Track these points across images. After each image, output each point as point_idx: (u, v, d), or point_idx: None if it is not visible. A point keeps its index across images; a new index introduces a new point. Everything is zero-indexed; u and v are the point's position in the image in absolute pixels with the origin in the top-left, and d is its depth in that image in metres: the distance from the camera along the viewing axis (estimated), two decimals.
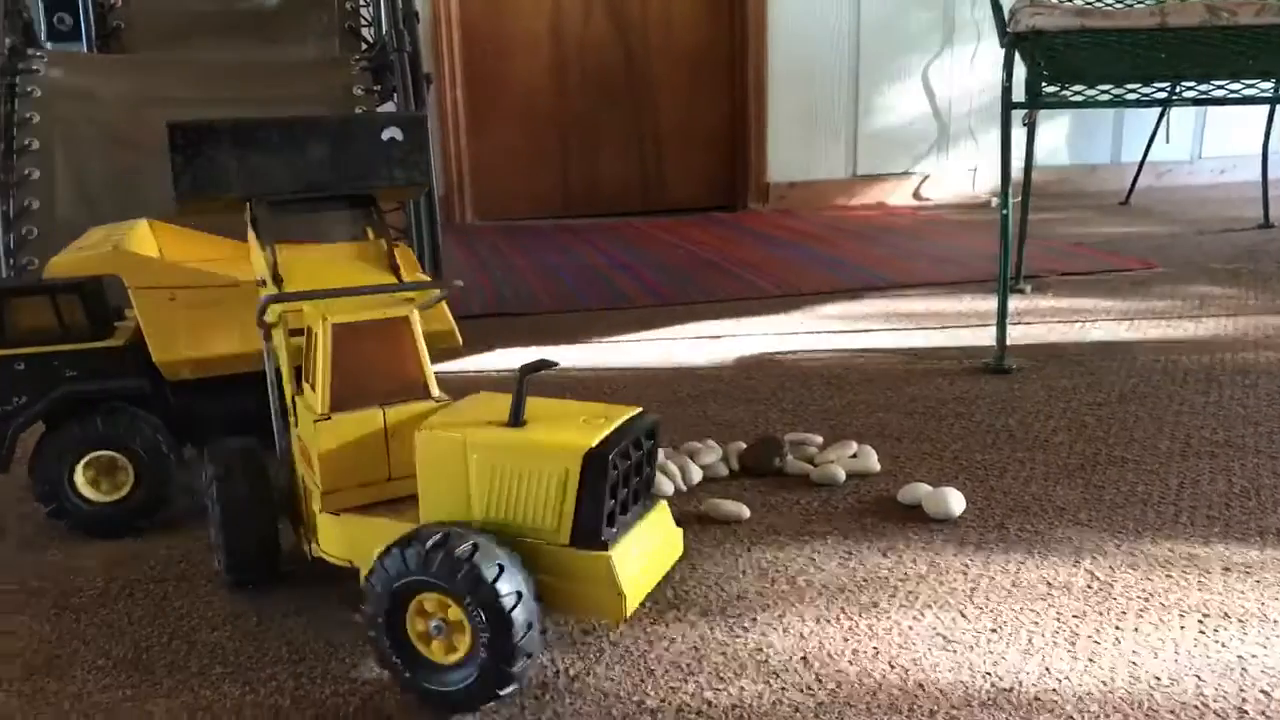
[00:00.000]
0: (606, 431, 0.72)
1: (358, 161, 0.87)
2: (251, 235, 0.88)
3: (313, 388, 0.81)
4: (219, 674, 0.80)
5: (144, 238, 1.13)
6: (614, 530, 0.72)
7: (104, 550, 1.02)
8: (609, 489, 0.70)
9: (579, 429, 0.73)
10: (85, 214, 1.45)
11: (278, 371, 0.87)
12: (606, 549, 0.71)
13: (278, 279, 0.84)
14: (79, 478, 1.02)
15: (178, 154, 0.83)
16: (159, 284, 1.01)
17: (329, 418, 0.78)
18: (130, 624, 0.88)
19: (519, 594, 0.69)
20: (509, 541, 0.72)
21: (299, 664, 0.81)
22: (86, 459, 1.02)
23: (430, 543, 0.69)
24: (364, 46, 1.88)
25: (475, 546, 0.69)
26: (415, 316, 0.83)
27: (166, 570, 0.97)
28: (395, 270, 0.89)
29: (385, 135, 0.88)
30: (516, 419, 0.74)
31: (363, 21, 1.89)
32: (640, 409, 0.77)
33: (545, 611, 0.72)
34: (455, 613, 0.70)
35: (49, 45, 1.75)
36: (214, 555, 0.89)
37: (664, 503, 0.81)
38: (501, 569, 0.69)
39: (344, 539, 0.80)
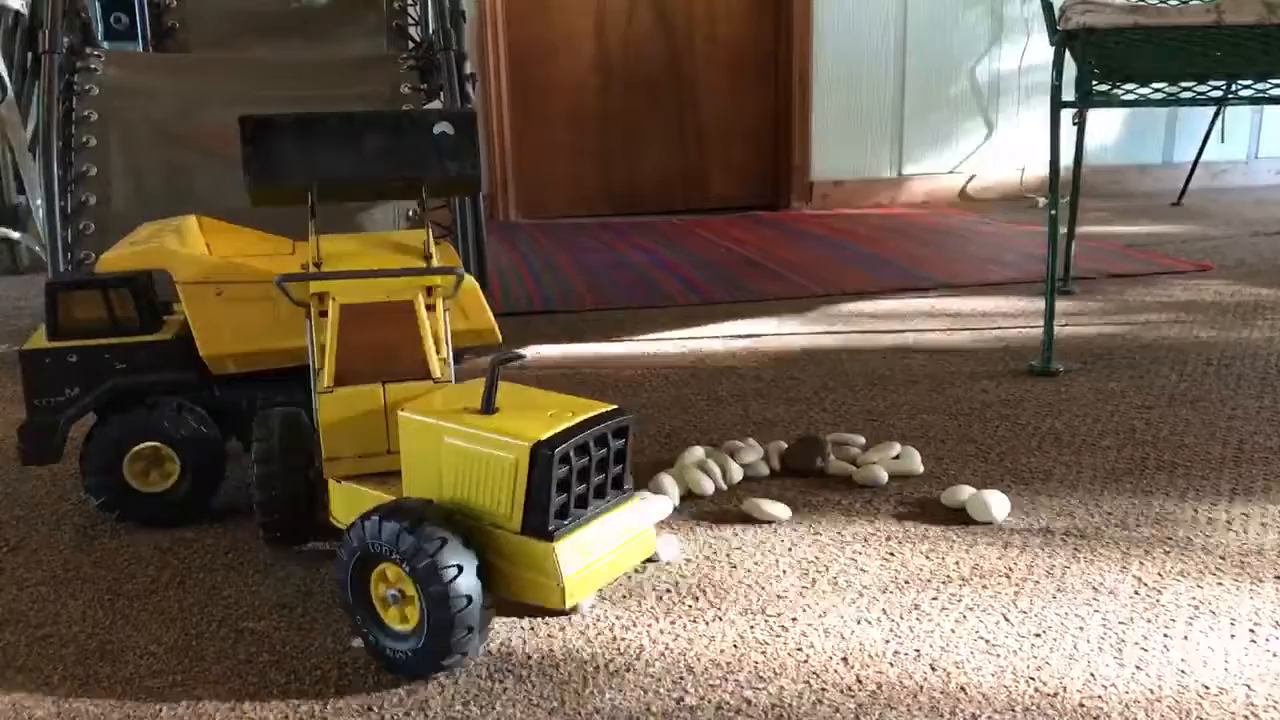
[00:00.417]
0: (563, 426, 0.76)
1: (410, 154, 0.91)
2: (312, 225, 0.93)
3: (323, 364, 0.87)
4: (265, 662, 0.81)
5: (192, 234, 1.15)
6: (565, 522, 0.75)
7: (155, 540, 1.04)
8: (557, 483, 0.74)
9: (538, 422, 0.76)
10: (140, 210, 1.47)
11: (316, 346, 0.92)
12: (552, 540, 0.74)
13: (318, 264, 0.90)
14: (128, 469, 1.04)
15: (247, 145, 0.87)
16: (206, 279, 1.03)
17: (332, 390, 0.85)
18: (180, 612, 0.90)
19: (459, 568, 0.73)
20: (464, 523, 0.76)
21: (343, 654, 0.82)
22: (135, 450, 1.04)
23: (383, 515, 0.75)
24: (411, 45, 1.90)
25: (419, 520, 0.74)
26: (420, 301, 0.89)
27: (215, 560, 0.99)
28: (427, 260, 0.94)
29: (437, 130, 0.91)
30: (488, 407, 0.79)
31: (410, 20, 1.91)
32: (616, 407, 0.80)
33: (494, 592, 0.76)
34: (408, 585, 0.75)
35: (106, 45, 1.78)
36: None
37: (641, 501, 0.84)
38: (443, 542, 0.73)
39: (343, 505, 0.87)
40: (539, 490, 0.74)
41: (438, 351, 0.90)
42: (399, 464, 0.83)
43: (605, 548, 0.78)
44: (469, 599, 0.73)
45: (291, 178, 0.89)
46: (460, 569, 0.73)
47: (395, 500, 0.79)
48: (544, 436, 0.74)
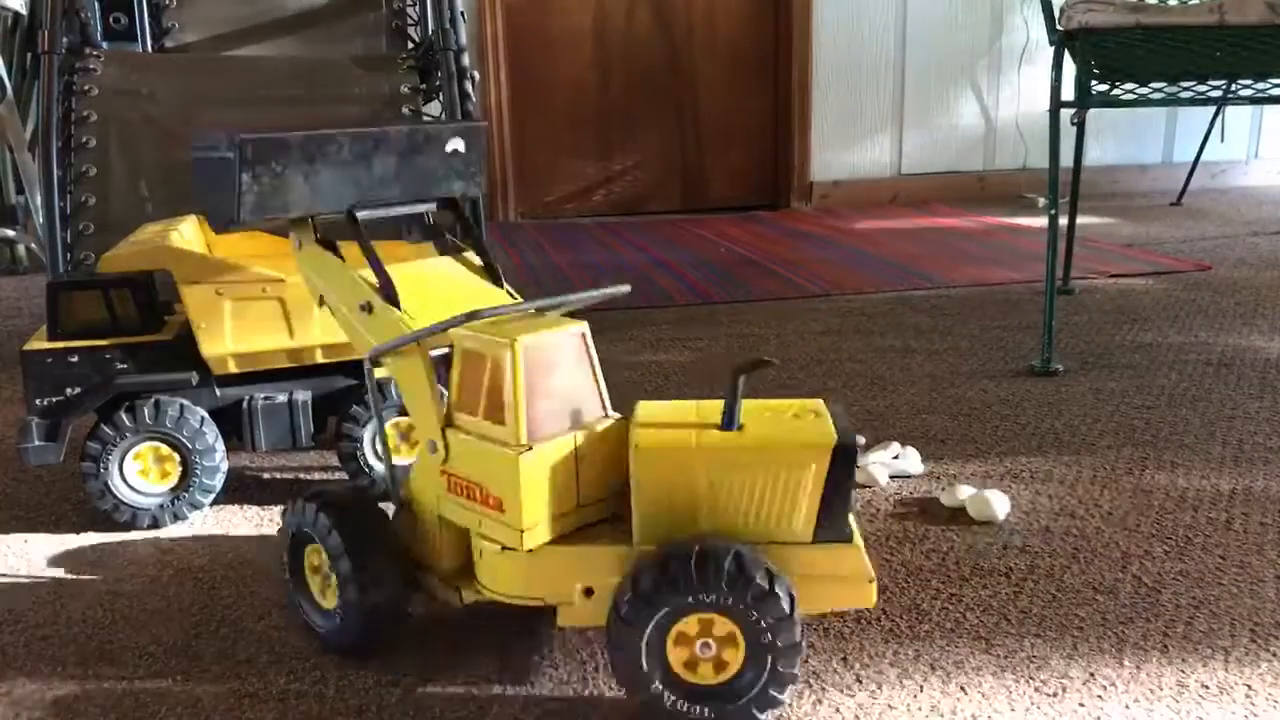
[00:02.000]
0: (835, 424, 0.72)
1: (421, 175, 0.84)
2: (316, 253, 0.82)
3: (488, 418, 0.73)
4: (265, 662, 0.81)
5: (193, 233, 1.15)
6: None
7: (154, 539, 1.04)
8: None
9: (800, 425, 0.72)
10: (139, 210, 1.47)
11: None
12: (851, 540, 0.71)
13: (394, 299, 0.78)
14: (129, 468, 1.05)
15: (246, 170, 0.76)
16: (207, 279, 1.03)
17: (530, 449, 0.71)
18: (179, 612, 0.89)
19: (792, 597, 0.68)
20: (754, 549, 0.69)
21: (343, 655, 0.82)
22: (136, 450, 1.04)
23: (695, 559, 0.66)
24: (410, 45, 1.89)
25: (740, 556, 0.67)
26: (588, 329, 0.77)
27: (215, 559, 0.99)
28: (497, 278, 0.85)
29: (449, 147, 0.84)
30: (731, 422, 0.72)
31: (409, 20, 1.91)
32: (821, 400, 0.77)
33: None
34: (723, 627, 0.68)
35: (105, 45, 1.78)
36: (306, 616, 0.84)
37: None
38: (771, 575, 0.67)
39: (537, 576, 0.73)
40: (841, 492, 0.70)
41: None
42: (586, 518, 0.75)
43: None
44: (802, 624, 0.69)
45: (293, 208, 0.79)
46: (793, 598, 0.68)
47: (676, 543, 0.69)
48: (838, 437, 0.69)
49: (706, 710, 0.69)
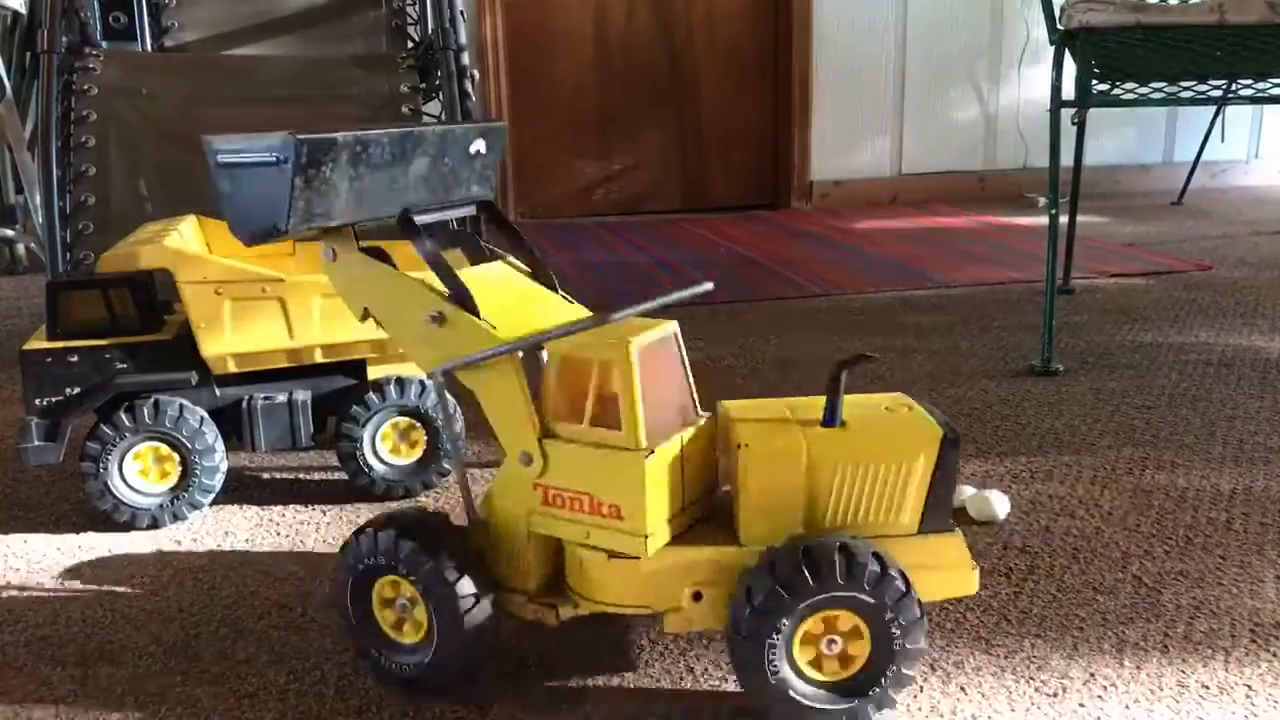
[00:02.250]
0: (933, 417, 0.73)
1: (446, 177, 0.80)
2: (359, 263, 0.77)
3: (598, 424, 0.71)
4: (265, 662, 0.81)
5: (193, 233, 1.15)
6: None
7: (153, 539, 1.04)
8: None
9: (909, 419, 0.73)
10: (139, 210, 1.47)
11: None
12: (953, 529, 0.72)
13: (472, 307, 0.74)
14: (128, 468, 1.05)
15: (299, 175, 0.70)
16: (206, 279, 1.03)
17: (652, 452, 0.69)
18: (180, 612, 0.89)
19: (912, 586, 0.68)
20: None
21: (343, 654, 0.82)
22: (136, 450, 1.04)
23: (816, 555, 0.67)
24: (410, 44, 1.89)
25: (877, 555, 0.67)
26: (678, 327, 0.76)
27: (215, 559, 0.99)
28: (550, 283, 0.82)
29: (472, 149, 0.81)
30: (833, 418, 0.72)
31: (409, 19, 1.91)
32: (900, 393, 0.78)
33: None
34: (848, 621, 0.68)
35: (104, 44, 1.78)
36: (383, 659, 0.77)
37: None
38: (893, 567, 0.68)
39: (648, 583, 0.72)
40: (946, 482, 0.71)
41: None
42: (693, 516, 0.74)
43: None
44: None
45: (340, 215, 0.74)
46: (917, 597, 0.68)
47: (798, 539, 0.69)
48: (943, 430, 0.71)
49: (832, 704, 0.69)
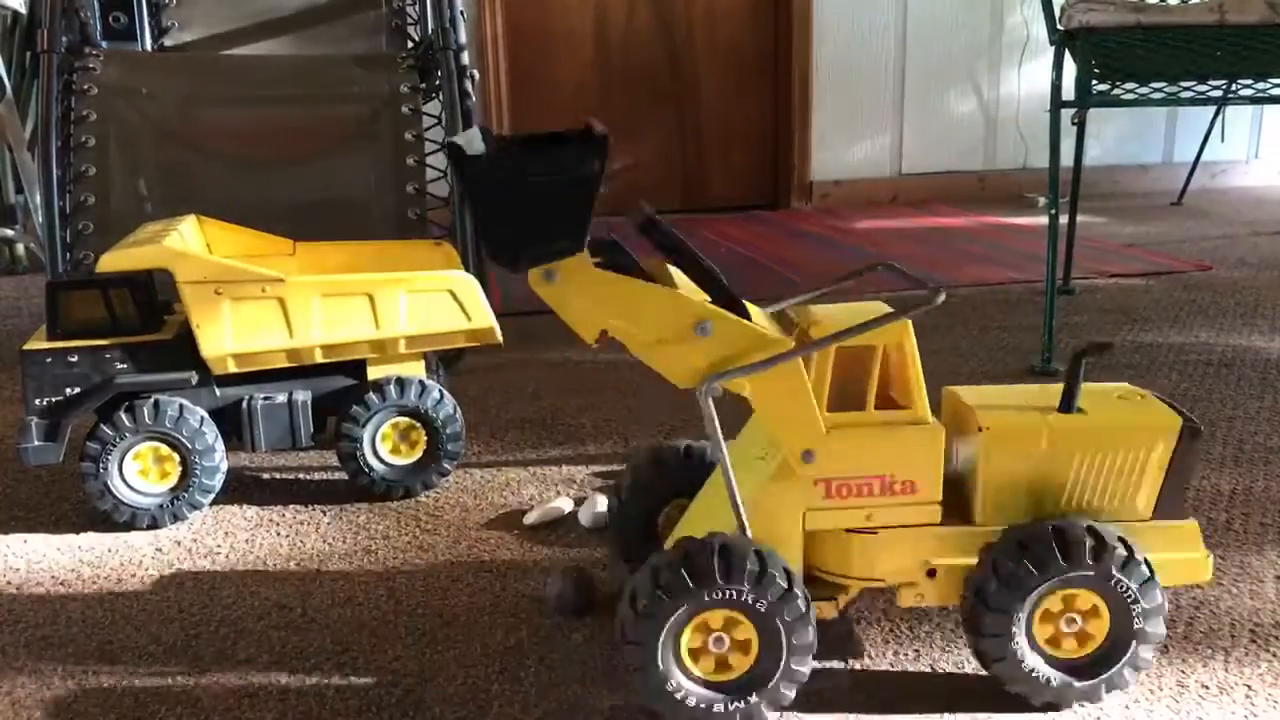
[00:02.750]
0: (1168, 406, 0.74)
1: None
2: (598, 281, 0.74)
3: (886, 406, 0.75)
4: (265, 662, 0.81)
5: (193, 233, 1.15)
6: None
7: (153, 539, 1.04)
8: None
9: (1146, 408, 0.74)
10: (139, 210, 1.47)
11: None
12: (1186, 516, 0.74)
13: (743, 310, 0.73)
14: (128, 468, 1.04)
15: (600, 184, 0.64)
16: (206, 279, 1.03)
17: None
18: (180, 612, 0.89)
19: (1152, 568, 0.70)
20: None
21: (343, 654, 0.82)
22: (136, 450, 1.04)
23: (1067, 538, 0.69)
24: (410, 44, 1.89)
25: (1122, 539, 0.69)
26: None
27: (215, 559, 0.99)
28: (720, 285, 0.77)
29: None
30: (1069, 405, 0.74)
31: (409, 19, 1.91)
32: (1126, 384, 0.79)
33: None
34: (1087, 600, 0.70)
35: (104, 44, 1.78)
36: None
37: None
38: (1145, 557, 0.69)
39: (889, 557, 0.74)
40: (1182, 471, 0.72)
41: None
42: None
43: None
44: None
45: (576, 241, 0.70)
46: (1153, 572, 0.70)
47: (1027, 523, 0.72)
48: (1182, 419, 0.72)
49: (1068, 681, 0.71)
